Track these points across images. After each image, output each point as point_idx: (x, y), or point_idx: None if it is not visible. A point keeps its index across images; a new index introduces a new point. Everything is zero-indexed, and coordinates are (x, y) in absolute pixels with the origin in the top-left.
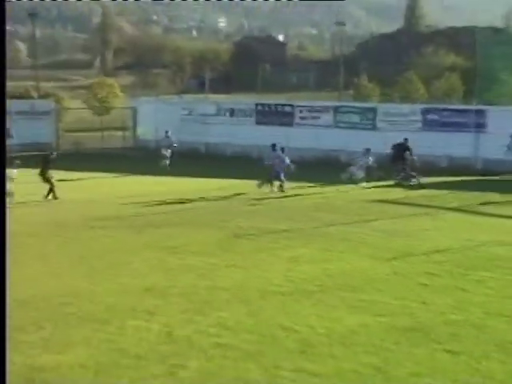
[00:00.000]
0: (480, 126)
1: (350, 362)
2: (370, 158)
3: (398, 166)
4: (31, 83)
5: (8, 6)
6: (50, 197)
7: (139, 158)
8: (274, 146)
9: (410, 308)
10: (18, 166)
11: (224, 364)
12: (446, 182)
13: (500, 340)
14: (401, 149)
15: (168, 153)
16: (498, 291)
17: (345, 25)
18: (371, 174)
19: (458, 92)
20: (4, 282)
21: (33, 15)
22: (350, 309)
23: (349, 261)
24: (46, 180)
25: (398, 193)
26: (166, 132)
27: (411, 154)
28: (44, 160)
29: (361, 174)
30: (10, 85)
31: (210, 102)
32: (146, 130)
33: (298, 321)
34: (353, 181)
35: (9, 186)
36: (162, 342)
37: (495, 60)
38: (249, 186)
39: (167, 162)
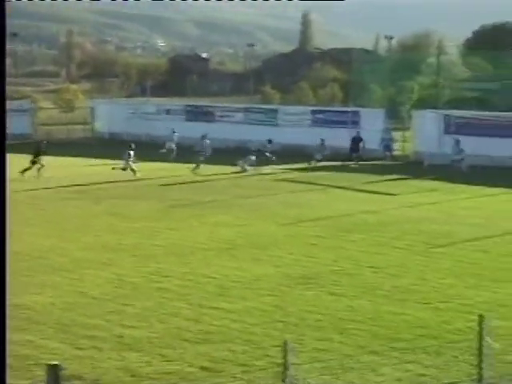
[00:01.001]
0: (355, 124)
1: (256, 302)
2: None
3: (354, 151)
4: (13, 88)
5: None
6: (36, 174)
7: (97, 146)
8: (270, 141)
9: (302, 261)
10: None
11: (162, 302)
12: (329, 166)
13: (368, 285)
14: (356, 140)
15: (173, 146)
16: (367, 249)
17: (254, 46)
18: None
19: (339, 97)
20: (4, 281)
21: (14, 35)
22: (256, 261)
23: (256, 225)
24: (35, 162)
25: (296, 174)
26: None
27: (363, 144)
28: (37, 147)
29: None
30: None
31: (151, 103)
32: (102, 125)
33: (217, 270)
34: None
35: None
36: (113, 286)
37: (366, 74)
38: (182, 168)
39: (174, 153)
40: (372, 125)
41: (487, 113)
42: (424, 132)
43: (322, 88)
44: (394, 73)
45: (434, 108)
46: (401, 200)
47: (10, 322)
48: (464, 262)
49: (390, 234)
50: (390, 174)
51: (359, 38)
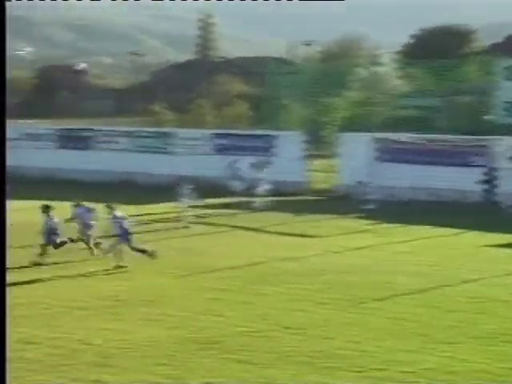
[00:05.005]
0: (267, 150)
1: (144, 373)
2: None
3: None
4: None
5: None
6: None
7: None
8: None
9: (203, 321)
10: None
11: None
12: (236, 203)
13: (285, 350)
14: None
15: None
16: (283, 305)
17: (141, 54)
18: None
19: (247, 118)
20: (4, 282)
21: None
22: (145, 322)
23: (144, 277)
24: None
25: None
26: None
27: None
28: None
29: None
30: None
31: (11, 126)
32: None
33: (96, 334)
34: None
35: None
36: None
37: (280, 89)
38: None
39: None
40: (289, 151)
41: (430, 135)
42: (353, 160)
43: (227, 106)
44: (315, 87)
45: (365, 130)
46: (325, 244)
47: None
48: (404, 319)
49: (312, 286)
50: (312, 211)
51: (271, 45)
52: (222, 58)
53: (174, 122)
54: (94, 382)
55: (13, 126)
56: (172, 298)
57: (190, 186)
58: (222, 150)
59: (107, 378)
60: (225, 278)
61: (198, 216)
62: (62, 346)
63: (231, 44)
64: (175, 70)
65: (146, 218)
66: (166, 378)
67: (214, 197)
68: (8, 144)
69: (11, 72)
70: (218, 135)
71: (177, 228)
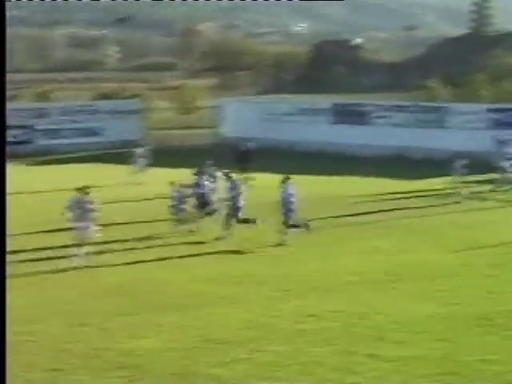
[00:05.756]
0: None
1: (421, 349)
2: None
3: None
4: (121, 84)
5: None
6: None
7: (225, 155)
8: None
9: (479, 298)
10: None
11: (301, 348)
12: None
13: None
14: None
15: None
16: None
17: (416, 29)
18: None
19: None
20: (4, 282)
21: (122, 20)
22: (421, 298)
23: (422, 252)
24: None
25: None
26: None
27: None
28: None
29: None
30: (102, 86)
31: (289, 101)
32: (229, 129)
33: (373, 308)
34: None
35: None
36: None
37: None
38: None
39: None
40: None
41: None
42: None
43: (502, 81)
44: None
45: None
46: None
47: None
48: None
49: None
50: None
51: None
52: (497, 31)
53: (447, 96)
54: (367, 357)
55: (289, 101)
56: (449, 273)
57: (464, 161)
58: (497, 125)
59: (382, 353)
60: (500, 255)
61: (470, 192)
62: (339, 320)
63: (509, 18)
64: (450, 43)
65: (418, 193)
66: (440, 355)
67: (488, 172)
68: (282, 118)
69: (287, 48)
70: (494, 110)
71: (449, 203)
